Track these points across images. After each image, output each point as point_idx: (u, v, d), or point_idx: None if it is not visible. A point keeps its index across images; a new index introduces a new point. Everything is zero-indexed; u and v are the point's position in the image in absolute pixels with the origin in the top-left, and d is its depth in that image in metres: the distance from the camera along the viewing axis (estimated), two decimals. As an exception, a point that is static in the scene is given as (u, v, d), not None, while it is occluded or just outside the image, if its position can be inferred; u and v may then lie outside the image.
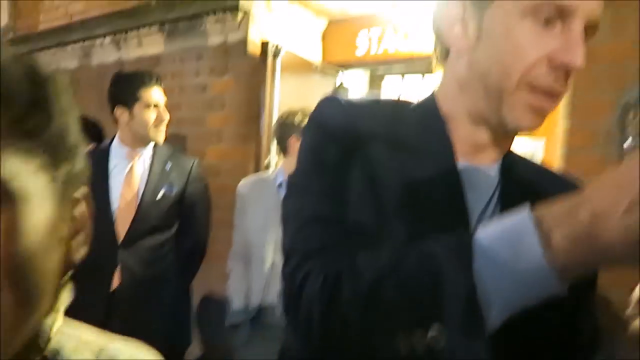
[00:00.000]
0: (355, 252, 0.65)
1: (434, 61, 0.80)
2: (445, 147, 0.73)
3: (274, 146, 3.13)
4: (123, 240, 2.16)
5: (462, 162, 0.73)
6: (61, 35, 4.32)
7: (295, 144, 2.16)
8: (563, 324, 0.65)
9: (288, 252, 0.72)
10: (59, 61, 4.40)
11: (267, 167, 3.09)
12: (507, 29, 0.66)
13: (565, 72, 0.65)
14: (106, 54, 4.05)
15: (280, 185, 2.22)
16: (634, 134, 2.38)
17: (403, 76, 3.95)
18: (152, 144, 2.26)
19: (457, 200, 0.71)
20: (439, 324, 0.52)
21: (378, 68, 3.71)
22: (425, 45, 3.24)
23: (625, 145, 2.35)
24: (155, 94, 2.19)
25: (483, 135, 0.73)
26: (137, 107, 2.17)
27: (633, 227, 0.44)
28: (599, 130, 2.44)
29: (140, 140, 2.22)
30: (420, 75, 3.88)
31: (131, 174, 2.23)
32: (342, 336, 0.61)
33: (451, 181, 0.72)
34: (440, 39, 0.76)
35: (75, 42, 4.24)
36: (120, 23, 3.86)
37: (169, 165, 2.27)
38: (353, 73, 3.69)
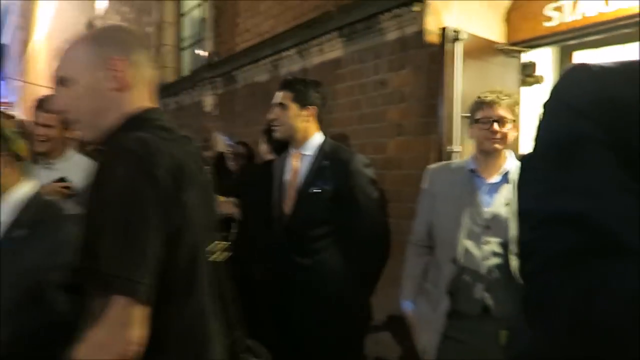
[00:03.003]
0: (604, 263, 0.58)
1: None
2: None
3: (457, 135, 3.05)
4: (286, 229, 2.45)
5: None
6: (254, 53, 4.79)
7: None
8: None
9: (527, 249, 0.67)
10: (253, 76, 4.87)
11: (449, 156, 3.01)
12: None
13: None
14: (292, 64, 4.37)
15: (472, 171, 2.15)
16: None
17: (597, 48, 3.53)
18: (318, 143, 2.48)
19: None
20: None
21: (567, 42, 3.37)
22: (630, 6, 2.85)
23: None
24: None
25: None
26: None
27: None
28: None
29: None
30: (620, 45, 3.42)
31: (292, 171, 2.50)
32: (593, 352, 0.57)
33: None
34: None
35: (265, 57, 4.67)
36: (303, 34, 4.15)
37: (326, 163, 2.41)
38: (539, 52, 3.41)
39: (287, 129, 2.46)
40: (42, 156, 3.05)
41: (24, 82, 13.15)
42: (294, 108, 2.44)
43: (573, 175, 0.64)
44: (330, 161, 2.40)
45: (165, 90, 6.38)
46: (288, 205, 2.47)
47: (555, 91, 0.70)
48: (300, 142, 2.47)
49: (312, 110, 2.45)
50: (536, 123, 0.71)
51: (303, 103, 2.45)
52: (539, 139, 0.72)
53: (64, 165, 3.11)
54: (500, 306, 1.96)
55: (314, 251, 2.39)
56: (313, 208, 2.39)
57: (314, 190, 2.38)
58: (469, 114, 2.21)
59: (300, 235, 2.41)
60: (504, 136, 2.06)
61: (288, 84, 2.50)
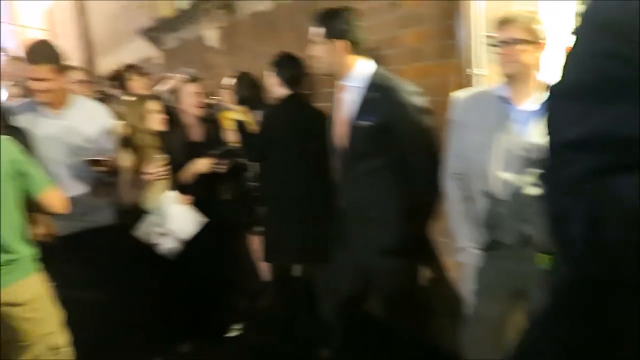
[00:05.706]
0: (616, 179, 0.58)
1: None
2: None
3: (476, 58, 2.88)
4: (341, 162, 2.51)
5: None
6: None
7: None
8: None
9: (547, 174, 0.68)
10: (254, 6, 4.62)
11: (472, 80, 2.86)
12: None
13: None
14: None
15: (501, 98, 2.06)
16: None
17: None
18: (365, 73, 2.43)
19: None
20: None
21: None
22: None
23: None
24: None
25: None
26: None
27: None
28: None
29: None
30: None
31: (338, 104, 2.51)
32: (609, 268, 0.59)
33: None
34: None
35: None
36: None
37: (374, 95, 2.39)
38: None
39: (322, 66, 2.47)
40: (48, 107, 2.95)
41: (17, 25, 12.76)
42: (324, 43, 2.43)
43: (602, 107, 0.62)
44: (378, 92, 2.37)
45: (164, 26, 6.13)
46: (339, 140, 2.48)
47: (588, 12, 0.66)
48: (341, 74, 2.45)
49: (341, 43, 2.40)
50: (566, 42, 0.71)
51: (331, 36, 2.42)
52: (569, 65, 0.70)
53: (72, 113, 3.02)
54: (541, 235, 1.93)
55: (366, 186, 2.42)
56: (363, 141, 2.38)
57: (363, 123, 2.35)
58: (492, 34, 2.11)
59: (353, 170, 2.44)
60: (516, 59, 1.95)
61: (317, 18, 2.48)
